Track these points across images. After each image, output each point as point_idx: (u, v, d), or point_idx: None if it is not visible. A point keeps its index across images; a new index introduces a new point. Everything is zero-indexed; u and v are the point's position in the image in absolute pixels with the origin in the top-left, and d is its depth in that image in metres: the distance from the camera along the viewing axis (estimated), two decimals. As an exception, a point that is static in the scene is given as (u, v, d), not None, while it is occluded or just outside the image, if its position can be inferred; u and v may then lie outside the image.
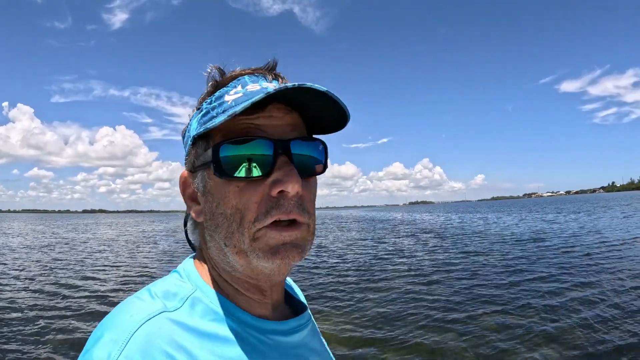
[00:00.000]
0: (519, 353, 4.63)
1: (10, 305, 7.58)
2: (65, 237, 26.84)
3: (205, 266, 0.62)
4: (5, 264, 13.41)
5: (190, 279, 0.60)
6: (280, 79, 0.62)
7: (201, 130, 0.57)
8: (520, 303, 6.57)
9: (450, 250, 13.87)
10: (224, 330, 0.55)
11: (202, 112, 0.59)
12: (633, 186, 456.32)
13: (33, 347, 5.36)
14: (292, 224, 0.54)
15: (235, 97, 0.56)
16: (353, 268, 10.56)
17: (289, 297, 0.73)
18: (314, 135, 0.63)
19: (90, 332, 0.51)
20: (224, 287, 0.60)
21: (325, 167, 0.62)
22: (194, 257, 0.66)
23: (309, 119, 0.61)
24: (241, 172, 0.54)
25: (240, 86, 0.58)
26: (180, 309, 0.54)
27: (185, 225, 0.69)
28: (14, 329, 6.11)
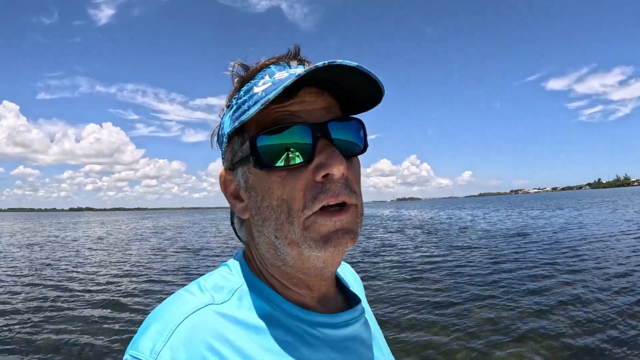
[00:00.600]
0: (506, 347, 4.70)
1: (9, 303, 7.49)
2: (65, 237, 26.48)
3: (254, 260, 0.62)
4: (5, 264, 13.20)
5: (239, 272, 0.60)
6: (306, 63, 0.60)
7: (235, 125, 0.56)
8: (506, 297, 6.67)
9: (436, 245, 13.95)
10: (271, 322, 0.54)
11: (232, 109, 0.58)
12: (618, 183, 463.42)
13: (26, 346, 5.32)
14: (340, 208, 0.53)
15: (264, 87, 0.54)
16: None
17: (343, 288, 0.71)
18: (350, 115, 0.61)
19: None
20: (272, 281, 0.59)
21: (365, 145, 0.60)
22: (243, 251, 0.66)
23: (341, 98, 0.59)
24: (281, 161, 0.53)
25: (267, 76, 0.57)
26: (227, 301, 0.54)
27: (232, 223, 0.69)
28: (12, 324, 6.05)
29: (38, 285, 9.35)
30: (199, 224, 39.56)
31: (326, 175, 0.52)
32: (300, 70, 0.54)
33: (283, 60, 0.60)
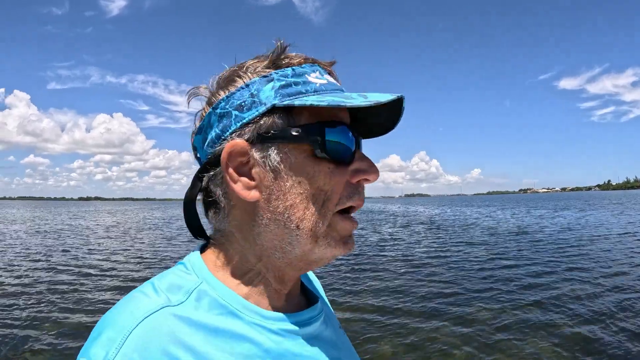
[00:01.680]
0: (509, 345, 4.79)
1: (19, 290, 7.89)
2: (78, 225, 27.06)
3: (216, 256, 0.58)
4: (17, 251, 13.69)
5: (197, 271, 0.56)
6: (333, 75, 0.61)
7: (292, 102, 0.52)
8: (509, 295, 6.86)
9: (439, 241, 14.15)
10: (231, 324, 0.51)
11: (280, 83, 0.54)
12: (628, 185, 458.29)
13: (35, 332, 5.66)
14: (351, 215, 0.58)
15: (321, 82, 0.56)
16: (346, 257, 10.83)
17: (302, 286, 0.71)
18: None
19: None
20: (235, 277, 0.57)
21: None
22: (201, 247, 0.62)
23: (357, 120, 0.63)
24: (337, 155, 0.54)
25: (318, 72, 0.57)
26: (184, 302, 0.51)
27: (206, 210, 0.61)
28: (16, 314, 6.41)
29: (57, 270, 9.78)
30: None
31: (359, 180, 0.56)
32: (329, 77, 0.59)
33: (319, 64, 0.60)
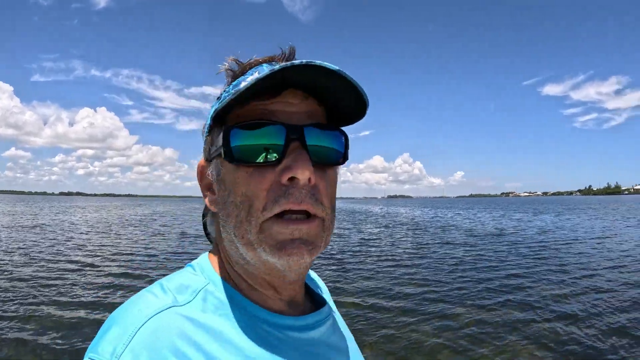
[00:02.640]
0: (482, 339, 4.93)
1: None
2: (64, 220, 26.72)
3: (220, 259, 0.61)
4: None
5: (204, 272, 0.59)
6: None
7: (211, 114, 0.56)
8: (483, 294, 7.12)
9: (422, 243, 14.38)
10: (235, 324, 0.53)
11: (219, 101, 0.56)
12: (609, 191, 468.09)
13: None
14: (303, 218, 0.52)
15: (250, 79, 0.52)
16: (327, 257, 10.95)
17: (309, 291, 0.71)
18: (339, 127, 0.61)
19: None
20: (238, 281, 0.58)
21: (345, 158, 0.59)
22: (210, 251, 0.65)
23: (331, 108, 0.58)
24: (251, 158, 0.52)
25: (257, 73, 0.54)
26: (191, 302, 0.53)
27: (204, 217, 0.68)
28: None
29: (42, 266, 9.77)
30: (195, 212, 39.71)
31: (292, 179, 0.51)
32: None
33: (277, 60, 0.59)
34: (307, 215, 0.52)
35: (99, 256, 11.19)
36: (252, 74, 0.55)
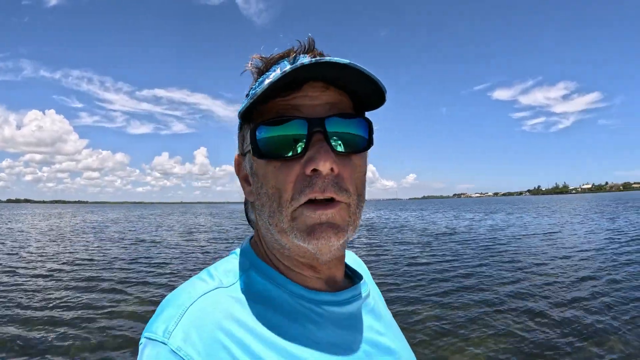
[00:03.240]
0: (448, 339, 5.03)
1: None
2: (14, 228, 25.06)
3: (261, 244, 0.64)
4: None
5: (246, 256, 0.63)
6: (319, 57, 0.59)
7: (240, 111, 0.59)
8: (442, 292, 7.30)
9: (378, 243, 14.58)
10: (277, 302, 0.57)
11: (246, 99, 0.61)
12: (557, 190, 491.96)
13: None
14: (329, 202, 0.54)
15: (273, 75, 0.56)
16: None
17: (349, 270, 0.74)
18: (362, 114, 0.62)
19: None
20: (277, 263, 0.62)
21: (370, 143, 0.61)
22: (252, 237, 0.69)
23: (354, 96, 0.60)
24: (278, 152, 0.55)
25: (279, 69, 0.57)
26: (235, 284, 0.57)
27: (245, 204, 0.72)
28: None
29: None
30: (146, 219, 38.66)
31: (315, 170, 0.53)
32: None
33: (296, 53, 0.61)
34: (331, 200, 0.55)
35: (54, 266, 10.70)
36: (274, 70, 0.59)
